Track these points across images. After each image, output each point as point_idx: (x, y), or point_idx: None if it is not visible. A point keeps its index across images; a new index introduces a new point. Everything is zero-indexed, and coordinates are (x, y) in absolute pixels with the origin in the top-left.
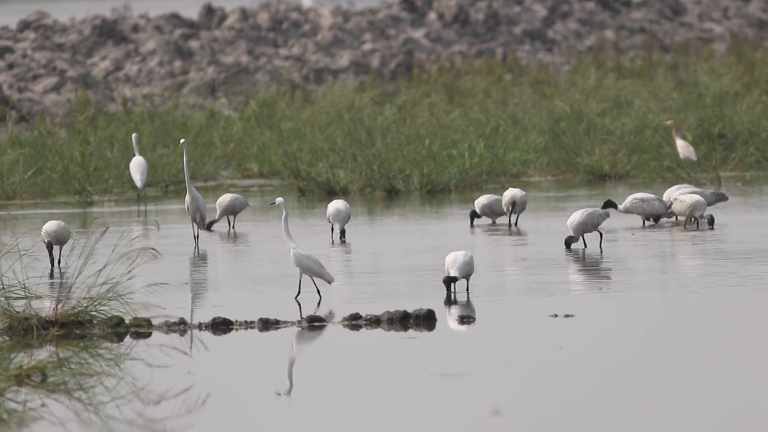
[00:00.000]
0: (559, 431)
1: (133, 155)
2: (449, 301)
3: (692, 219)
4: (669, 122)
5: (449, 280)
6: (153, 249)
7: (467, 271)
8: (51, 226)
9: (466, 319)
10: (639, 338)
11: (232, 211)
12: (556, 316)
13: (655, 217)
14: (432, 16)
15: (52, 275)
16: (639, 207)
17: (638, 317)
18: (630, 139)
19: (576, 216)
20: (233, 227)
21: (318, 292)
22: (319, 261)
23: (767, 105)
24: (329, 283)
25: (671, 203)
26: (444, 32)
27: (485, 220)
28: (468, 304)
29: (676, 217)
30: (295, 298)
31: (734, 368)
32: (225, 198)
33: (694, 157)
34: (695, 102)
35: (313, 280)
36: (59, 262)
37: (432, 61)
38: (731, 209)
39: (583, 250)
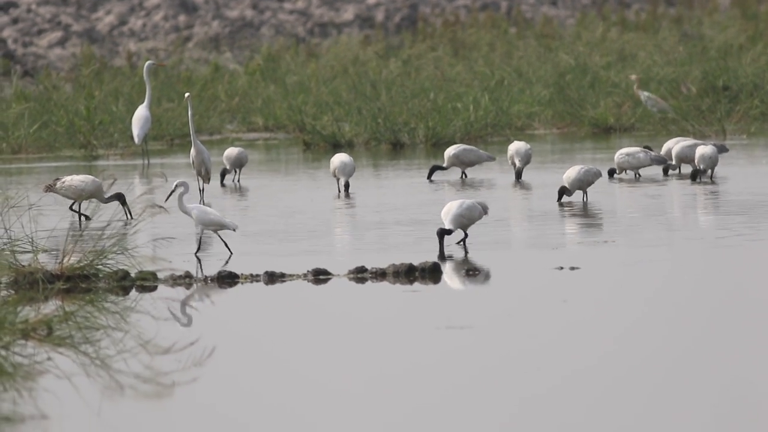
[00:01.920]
0: (561, 383)
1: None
2: (441, 255)
3: (697, 170)
4: (633, 76)
5: (442, 233)
6: (160, 206)
7: (461, 222)
8: (86, 181)
9: (471, 271)
10: (646, 291)
11: (239, 163)
12: (562, 268)
13: (642, 167)
14: None
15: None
16: (626, 162)
17: (645, 270)
18: (632, 90)
19: (573, 172)
20: (238, 181)
21: (228, 248)
22: (219, 214)
23: None
24: (234, 230)
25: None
26: None
27: (454, 174)
28: (472, 256)
29: (679, 169)
30: (195, 253)
31: (745, 323)
32: (232, 151)
33: (668, 108)
34: (700, 55)
35: (220, 237)
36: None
37: (436, 15)
38: (737, 161)
39: (584, 203)
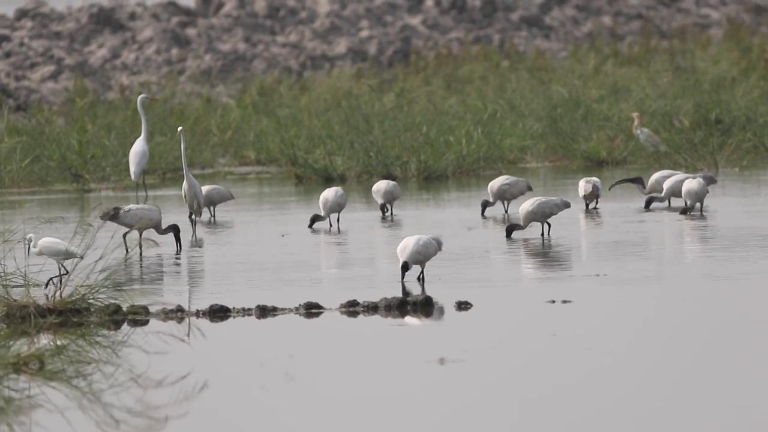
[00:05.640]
0: (549, 417)
1: (131, 143)
2: (402, 288)
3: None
4: (635, 114)
5: (406, 266)
6: (151, 240)
7: (417, 259)
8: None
9: (463, 305)
10: (636, 324)
11: (209, 201)
12: (554, 302)
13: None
14: (429, 2)
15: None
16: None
17: (636, 303)
18: (627, 125)
19: (527, 204)
20: (213, 217)
21: (66, 272)
22: (63, 243)
23: (764, 90)
24: (81, 258)
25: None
26: (441, 19)
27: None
28: (462, 291)
29: (669, 202)
30: (53, 279)
31: (735, 359)
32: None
33: (661, 144)
34: (692, 88)
35: (61, 264)
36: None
37: (429, 48)
38: (729, 193)
39: (546, 235)
